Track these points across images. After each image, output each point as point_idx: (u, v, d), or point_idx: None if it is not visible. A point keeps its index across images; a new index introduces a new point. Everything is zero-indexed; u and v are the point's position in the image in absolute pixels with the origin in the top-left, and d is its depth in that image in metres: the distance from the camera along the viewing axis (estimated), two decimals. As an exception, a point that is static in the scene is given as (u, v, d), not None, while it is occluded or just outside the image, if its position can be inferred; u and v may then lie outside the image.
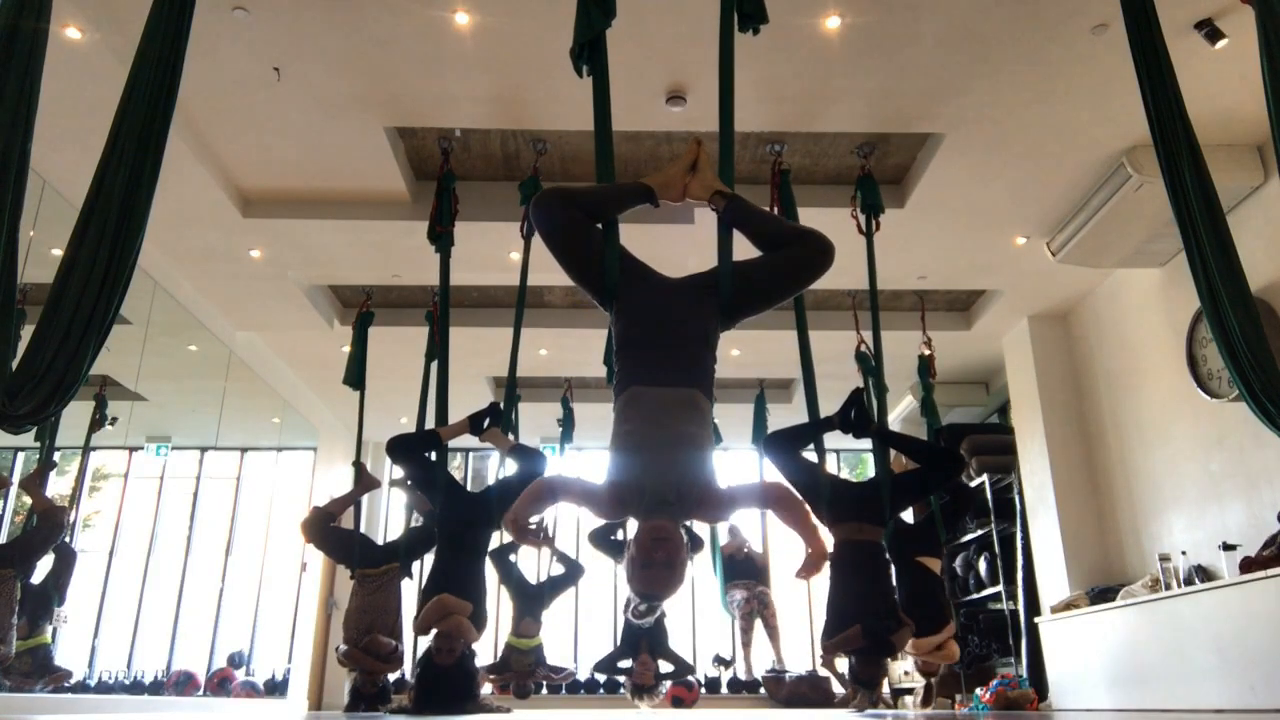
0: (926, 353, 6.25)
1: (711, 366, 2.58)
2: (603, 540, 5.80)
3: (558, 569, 6.76)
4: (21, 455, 6.66)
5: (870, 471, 9.75)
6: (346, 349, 6.37)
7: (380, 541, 7.22)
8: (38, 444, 5.86)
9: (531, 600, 6.19)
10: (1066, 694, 6.02)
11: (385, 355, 6.93)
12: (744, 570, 7.63)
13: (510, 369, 5.07)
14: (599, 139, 2.89)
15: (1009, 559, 7.21)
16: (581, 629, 9.99)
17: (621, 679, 5.40)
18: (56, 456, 6.33)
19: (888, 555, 4.37)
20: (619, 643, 5.47)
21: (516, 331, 5.09)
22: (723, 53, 2.98)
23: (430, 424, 4.89)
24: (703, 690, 9.50)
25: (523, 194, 5.01)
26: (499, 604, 9.15)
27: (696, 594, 10.02)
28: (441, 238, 4.97)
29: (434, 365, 5.42)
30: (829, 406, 4.67)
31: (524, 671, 5.88)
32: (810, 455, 4.49)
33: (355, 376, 5.99)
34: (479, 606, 4.30)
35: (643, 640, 5.30)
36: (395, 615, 5.03)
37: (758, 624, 8.66)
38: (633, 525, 2.45)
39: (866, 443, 5.09)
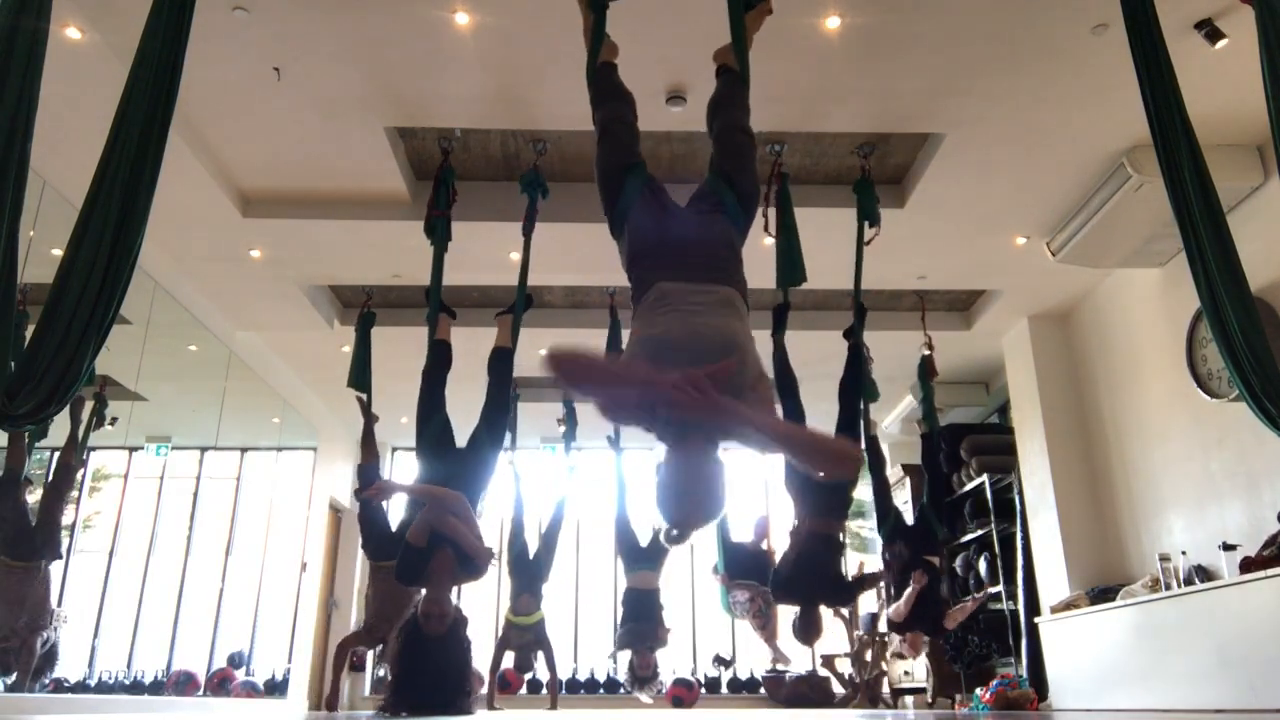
0: (926, 353, 6.23)
1: (742, 274, 2.41)
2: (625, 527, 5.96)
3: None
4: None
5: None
6: (347, 349, 6.37)
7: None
8: (32, 443, 5.85)
9: (529, 576, 6.26)
10: (1066, 694, 6.02)
11: (385, 355, 6.92)
12: (751, 569, 7.56)
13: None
14: None
15: (1009, 559, 7.21)
16: (581, 630, 9.99)
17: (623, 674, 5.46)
18: (56, 457, 6.33)
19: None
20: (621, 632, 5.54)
21: (515, 331, 5.09)
22: (734, 33, 2.97)
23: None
24: (703, 690, 9.51)
25: (522, 184, 5.01)
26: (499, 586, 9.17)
27: (696, 594, 10.03)
28: (438, 222, 4.86)
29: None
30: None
31: (525, 645, 5.94)
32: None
33: (359, 379, 5.89)
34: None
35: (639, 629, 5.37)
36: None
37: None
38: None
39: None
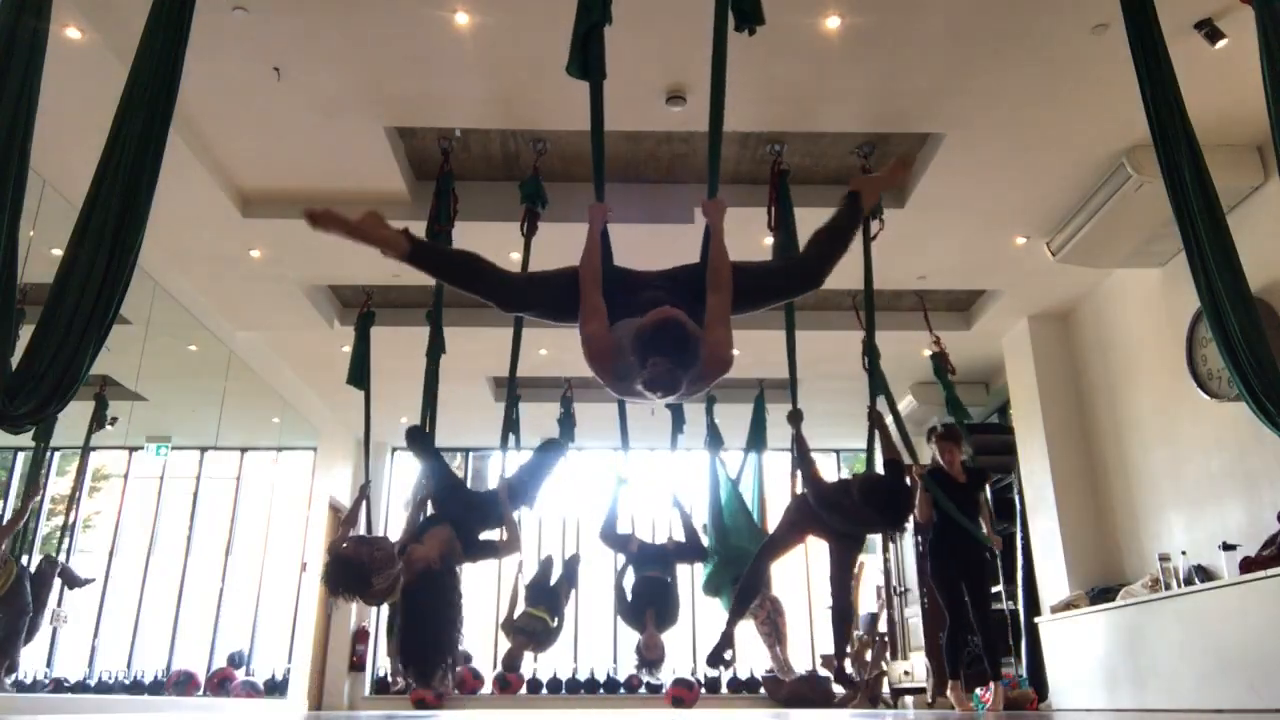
0: (938, 350, 6.14)
1: None
2: (611, 536, 5.84)
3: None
4: (21, 455, 6.65)
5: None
6: (347, 349, 6.37)
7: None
8: (36, 443, 5.87)
9: (544, 594, 6.28)
10: (1066, 694, 6.02)
11: (385, 355, 6.92)
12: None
13: (510, 369, 5.07)
14: (594, 141, 2.96)
15: (1009, 559, 7.21)
16: (581, 631, 9.99)
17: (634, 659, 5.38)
18: (57, 457, 6.34)
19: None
20: (627, 610, 5.43)
21: (517, 332, 5.09)
22: (715, 51, 2.97)
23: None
24: (703, 690, 9.50)
25: (523, 193, 5.01)
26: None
27: (695, 594, 10.02)
28: (439, 237, 4.96)
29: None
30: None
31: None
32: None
33: (358, 376, 6.00)
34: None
35: (649, 611, 5.28)
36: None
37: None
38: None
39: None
